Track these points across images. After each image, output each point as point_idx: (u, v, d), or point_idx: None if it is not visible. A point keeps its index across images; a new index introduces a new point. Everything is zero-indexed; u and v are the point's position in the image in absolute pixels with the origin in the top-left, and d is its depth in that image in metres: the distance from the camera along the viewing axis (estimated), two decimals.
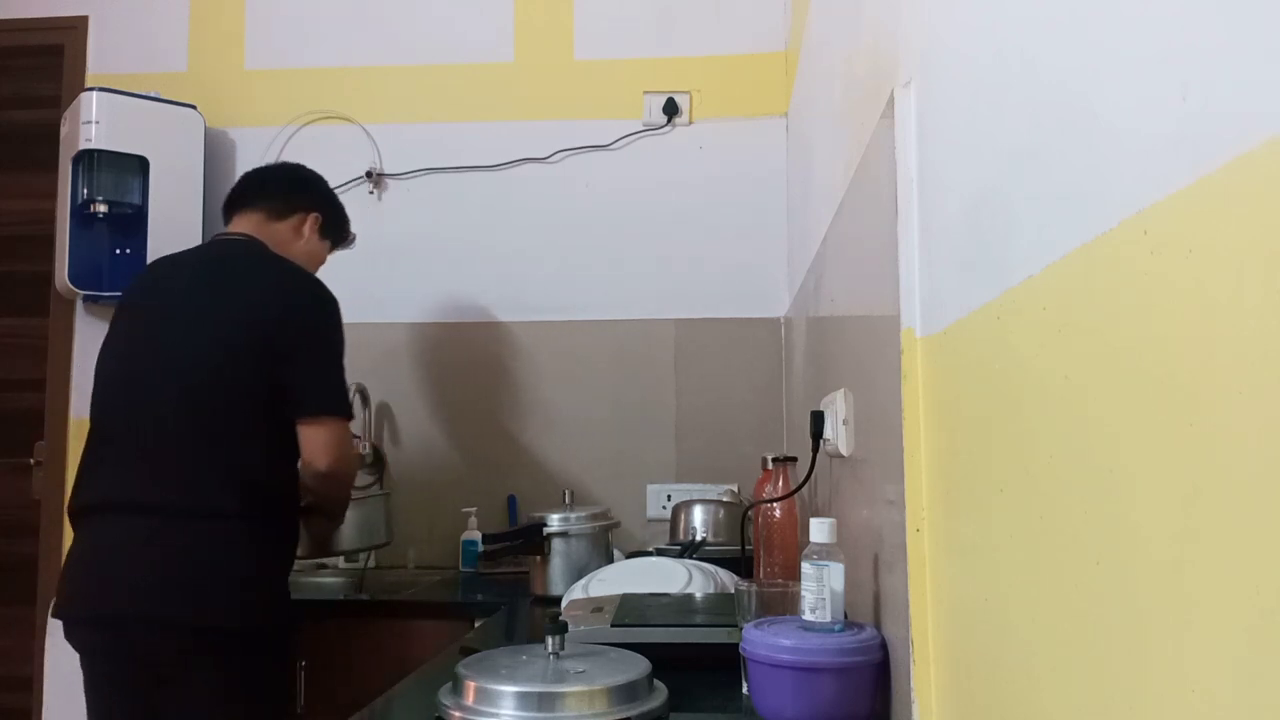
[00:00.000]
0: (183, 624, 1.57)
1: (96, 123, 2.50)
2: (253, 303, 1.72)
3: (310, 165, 2.87)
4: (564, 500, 2.17)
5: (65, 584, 1.66)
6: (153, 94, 2.62)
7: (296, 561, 1.79)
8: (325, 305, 1.79)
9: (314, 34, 2.79)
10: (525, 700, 0.98)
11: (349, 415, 1.80)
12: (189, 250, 1.94)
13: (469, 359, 2.66)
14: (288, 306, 1.74)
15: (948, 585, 0.85)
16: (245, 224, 1.89)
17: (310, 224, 1.96)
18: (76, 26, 2.84)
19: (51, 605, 1.68)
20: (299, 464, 1.75)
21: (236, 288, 1.75)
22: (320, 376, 1.74)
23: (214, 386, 1.65)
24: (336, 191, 2.10)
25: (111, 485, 1.67)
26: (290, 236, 1.92)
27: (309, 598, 2.18)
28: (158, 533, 1.59)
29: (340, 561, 2.46)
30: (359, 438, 2.36)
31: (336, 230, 2.05)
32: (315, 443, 1.71)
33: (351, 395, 2.05)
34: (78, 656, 1.66)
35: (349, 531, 2.04)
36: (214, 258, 1.84)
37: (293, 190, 1.98)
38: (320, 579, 2.41)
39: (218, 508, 1.60)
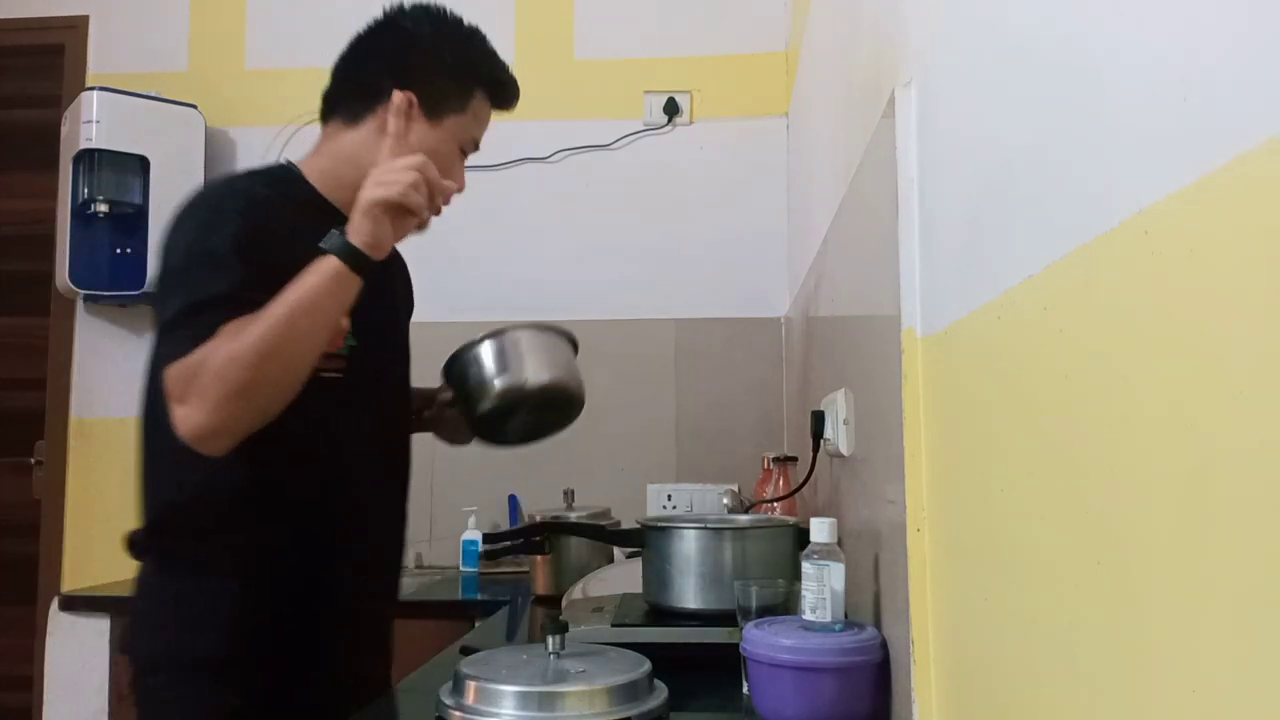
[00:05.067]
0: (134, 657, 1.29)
1: (97, 122, 2.51)
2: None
3: None
4: (564, 500, 2.17)
5: None
6: (153, 94, 2.62)
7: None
8: (175, 219, 1.26)
9: (314, 34, 2.78)
10: (525, 700, 0.98)
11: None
12: None
13: None
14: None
15: (948, 585, 0.85)
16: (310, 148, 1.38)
17: (397, 111, 1.28)
18: (77, 26, 2.84)
19: None
20: None
21: None
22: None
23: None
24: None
25: None
26: (370, 143, 1.30)
27: None
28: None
29: None
30: None
31: (446, 96, 1.33)
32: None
33: None
34: (78, 656, 1.63)
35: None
36: None
37: (368, 73, 1.35)
38: None
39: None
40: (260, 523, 1.25)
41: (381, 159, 1.22)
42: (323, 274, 1.13)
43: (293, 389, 1.14)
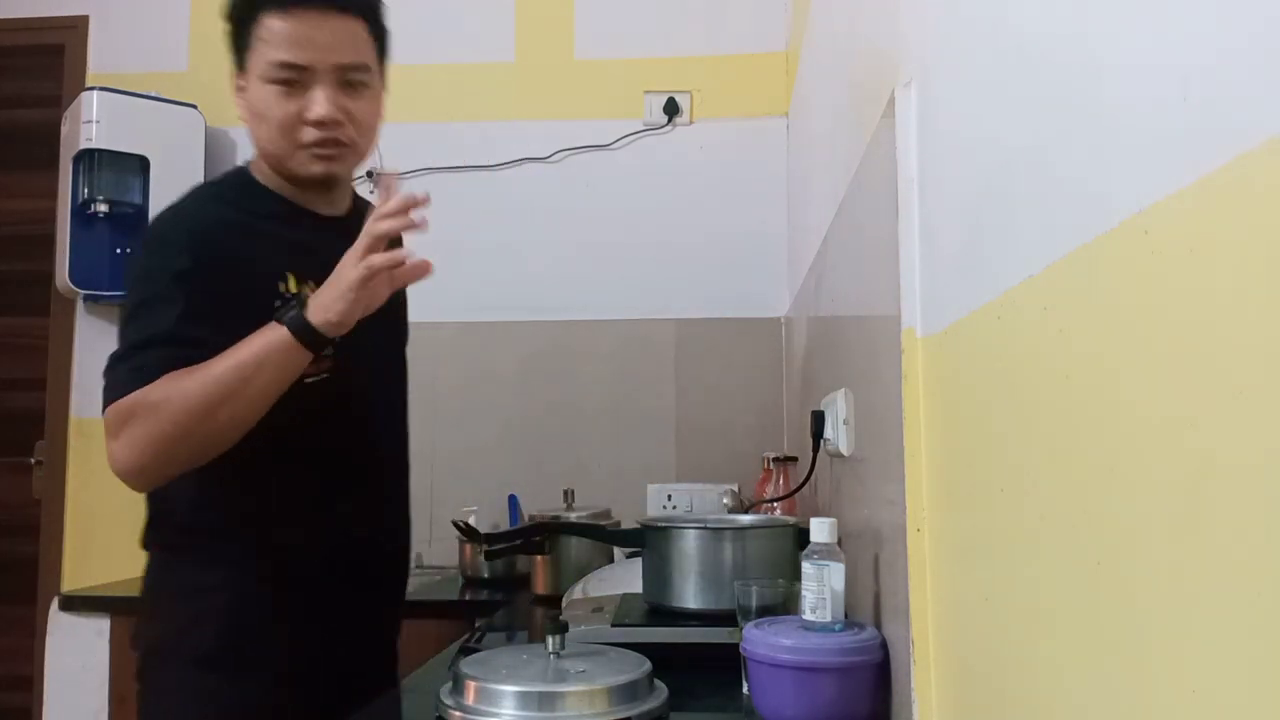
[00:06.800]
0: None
1: (97, 122, 2.51)
2: None
3: None
4: (564, 500, 2.17)
5: None
6: (153, 93, 2.62)
7: None
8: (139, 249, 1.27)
9: None
10: (525, 700, 0.98)
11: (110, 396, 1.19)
12: None
13: (468, 358, 2.66)
14: None
15: (948, 585, 0.85)
16: None
17: (235, 91, 1.40)
18: (77, 26, 2.84)
19: None
20: None
21: None
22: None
23: None
24: None
25: None
26: (249, 122, 1.39)
27: None
28: None
29: None
30: None
31: (239, 47, 1.40)
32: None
33: None
34: (78, 656, 1.65)
35: None
36: None
37: None
38: None
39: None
40: (251, 521, 1.27)
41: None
42: (274, 346, 1.13)
43: (230, 441, 1.15)
